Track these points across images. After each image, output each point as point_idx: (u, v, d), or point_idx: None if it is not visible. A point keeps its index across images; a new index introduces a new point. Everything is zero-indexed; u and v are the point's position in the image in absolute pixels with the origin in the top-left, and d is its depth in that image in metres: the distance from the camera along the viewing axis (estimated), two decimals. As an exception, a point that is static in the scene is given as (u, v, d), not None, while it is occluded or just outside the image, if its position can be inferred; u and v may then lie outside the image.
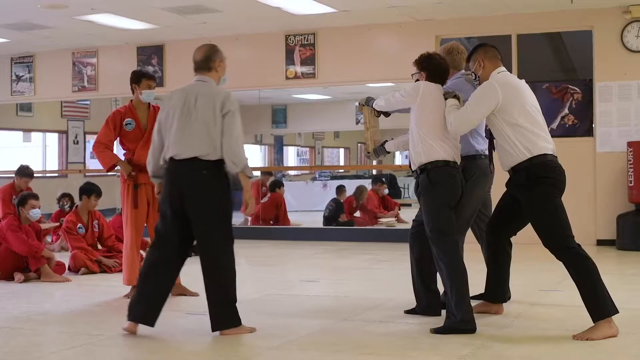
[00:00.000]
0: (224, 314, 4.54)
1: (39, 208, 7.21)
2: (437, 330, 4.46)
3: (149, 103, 6.03)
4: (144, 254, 5.55)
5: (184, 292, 5.87)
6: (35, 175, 9.89)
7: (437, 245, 4.58)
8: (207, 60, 4.69)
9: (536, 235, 4.58)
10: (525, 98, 4.53)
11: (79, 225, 7.80)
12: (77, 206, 8.09)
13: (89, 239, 7.77)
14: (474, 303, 4.71)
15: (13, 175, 9.70)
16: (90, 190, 7.90)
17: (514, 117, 4.44)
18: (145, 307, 4.54)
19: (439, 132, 4.63)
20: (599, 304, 4.27)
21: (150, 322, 4.53)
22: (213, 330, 4.52)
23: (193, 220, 4.51)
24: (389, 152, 5.27)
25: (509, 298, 5.33)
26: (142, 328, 4.56)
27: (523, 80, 4.71)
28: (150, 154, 4.76)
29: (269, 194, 12.23)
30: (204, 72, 4.70)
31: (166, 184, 4.61)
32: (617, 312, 4.30)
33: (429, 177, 4.60)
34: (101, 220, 7.97)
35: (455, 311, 4.44)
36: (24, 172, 9.45)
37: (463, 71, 5.23)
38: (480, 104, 4.50)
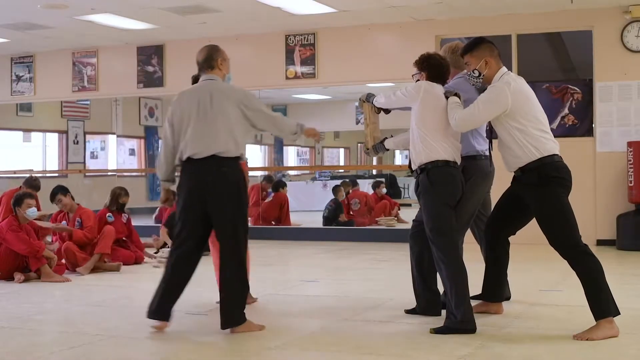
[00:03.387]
0: (235, 311, 4.53)
1: (35, 207, 7.21)
2: (437, 330, 4.46)
3: None
4: None
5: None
6: (35, 176, 9.88)
7: (437, 245, 4.58)
8: (210, 59, 4.75)
9: (535, 235, 4.57)
10: (534, 106, 4.53)
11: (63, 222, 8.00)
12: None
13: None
14: (474, 303, 4.70)
15: (13, 175, 9.70)
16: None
17: (521, 122, 4.44)
18: (162, 304, 4.60)
19: (439, 132, 4.63)
20: (602, 303, 4.29)
21: (166, 317, 4.60)
22: (223, 327, 4.50)
23: (214, 216, 4.53)
24: (388, 150, 5.27)
25: (509, 298, 5.34)
26: (140, 328, 4.56)
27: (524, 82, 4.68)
28: (162, 157, 4.76)
29: (272, 194, 12.21)
30: (208, 71, 4.75)
31: (184, 184, 4.61)
32: (618, 313, 4.32)
33: (428, 176, 4.60)
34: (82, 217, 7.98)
35: (455, 311, 4.44)
36: (32, 183, 9.48)
37: (465, 71, 5.21)
38: (488, 107, 4.48)
